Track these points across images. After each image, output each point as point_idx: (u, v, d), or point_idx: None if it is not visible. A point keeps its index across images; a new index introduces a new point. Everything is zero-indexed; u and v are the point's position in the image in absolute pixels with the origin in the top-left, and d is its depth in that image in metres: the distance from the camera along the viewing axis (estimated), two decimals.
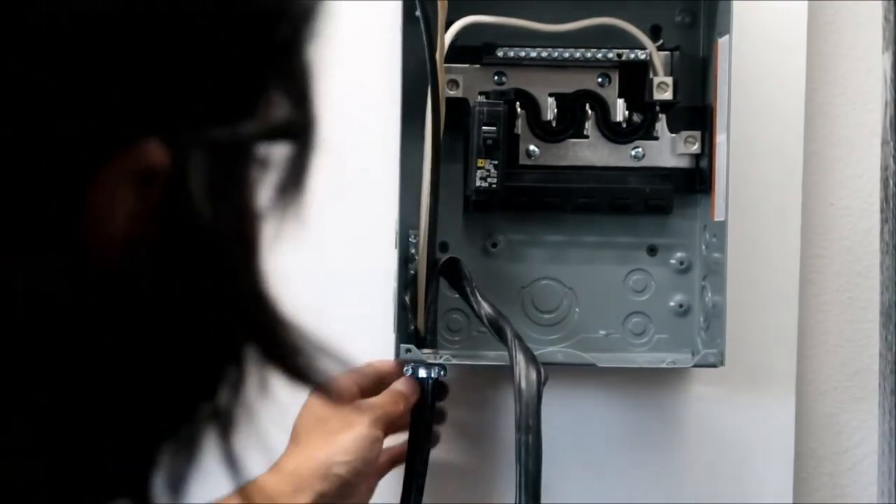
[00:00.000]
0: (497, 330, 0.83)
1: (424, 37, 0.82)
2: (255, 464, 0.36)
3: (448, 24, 0.86)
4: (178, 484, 0.35)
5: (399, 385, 0.85)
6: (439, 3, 0.83)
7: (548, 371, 0.80)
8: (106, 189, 0.32)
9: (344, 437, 0.79)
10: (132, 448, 0.34)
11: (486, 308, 0.84)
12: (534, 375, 0.78)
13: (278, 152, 0.36)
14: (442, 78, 0.85)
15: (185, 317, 0.34)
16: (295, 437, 0.80)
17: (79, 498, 0.33)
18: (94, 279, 0.32)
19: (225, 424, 0.36)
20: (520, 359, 0.79)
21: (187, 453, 0.35)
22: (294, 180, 0.36)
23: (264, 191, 0.36)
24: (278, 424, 0.36)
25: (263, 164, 0.35)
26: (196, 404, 0.35)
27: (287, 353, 0.36)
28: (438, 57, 0.84)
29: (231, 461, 0.36)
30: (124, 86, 0.31)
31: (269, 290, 0.36)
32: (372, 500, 0.87)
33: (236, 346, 0.35)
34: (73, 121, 0.31)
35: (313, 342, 0.36)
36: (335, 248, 0.93)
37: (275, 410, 0.36)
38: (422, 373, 0.87)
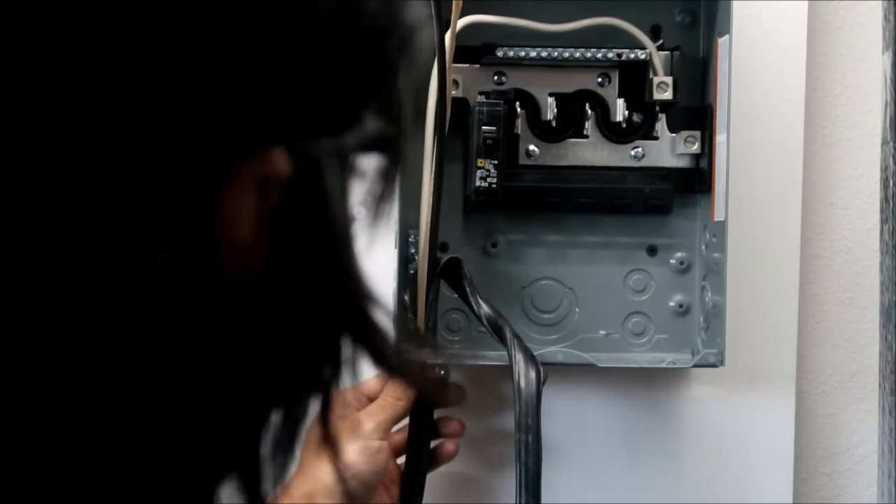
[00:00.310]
0: (496, 330, 0.83)
1: (436, 37, 0.82)
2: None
3: (448, 25, 0.86)
4: (284, 465, 0.37)
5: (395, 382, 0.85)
6: (454, 3, 0.83)
7: (547, 371, 0.80)
8: (237, 193, 0.33)
9: (346, 454, 0.79)
10: (244, 428, 0.36)
11: (485, 308, 0.84)
12: (533, 375, 0.78)
13: (369, 162, 0.37)
14: (449, 78, 0.85)
15: (296, 312, 0.36)
16: (301, 462, 0.81)
17: (193, 476, 0.35)
18: (226, 279, 0.34)
19: (325, 407, 0.38)
20: (519, 359, 0.80)
21: (293, 434, 0.37)
22: (384, 189, 0.38)
23: (357, 199, 0.38)
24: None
25: (358, 173, 0.37)
26: (304, 388, 0.37)
27: (379, 341, 0.38)
28: (448, 56, 0.84)
29: (329, 441, 0.38)
30: (254, 95, 0.33)
31: (368, 286, 0.38)
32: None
33: (337, 336, 0.37)
34: (210, 127, 0.32)
35: (403, 331, 0.38)
36: None
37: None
38: None
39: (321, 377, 0.37)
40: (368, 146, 0.37)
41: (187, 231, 0.33)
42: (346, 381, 0.38)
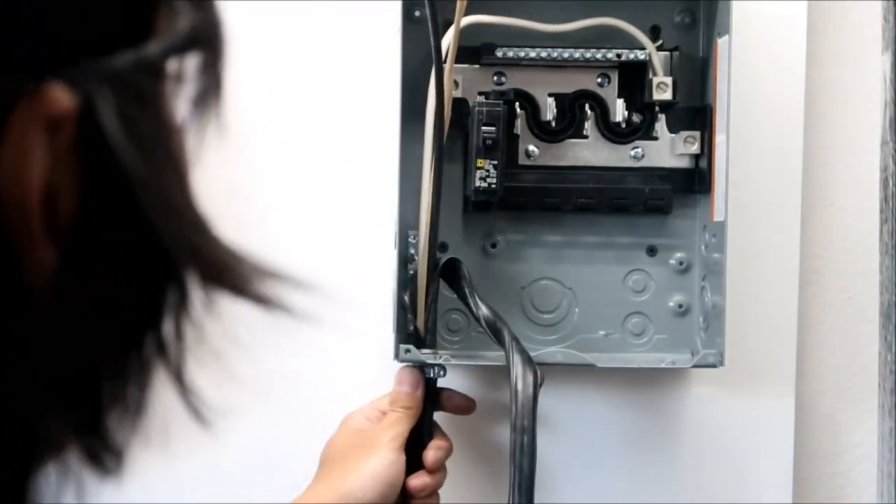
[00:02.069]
0: (494, 332, 0.83)
1: (431, 39, 0.82)
2: (209, 382, 0.36)
3: (447, 25, 0.86)
4: (136, 416, 0.35)
5: (401, 387, 0.86)
6: (458, 3, 0.84)
7: (544, 373, 0.80)
8: (14, 140, 0.31)
9: (363, 466, 0.80)
10: (81, 383, 0.34)
11: (483, 310, 0.84)
12: (530, 377, 0.79)
13: (190, 63, 0.35)
14: (449, 78, 0.85)
15: (118, 247, 0.34)
16: (320, 469, 0.82)
17: (34, 443, 0.33)
18: (19, 231, 0.32)
19: (174, 350, 0.35)
20: (516, 360, 0.80)
21: (139, 384, 0.35)
22: (210, 88, 0.35)
23: (182, 104, 0.35)
24: (229, 338, 0.36)
25: (177, 78, 0.35)
26: (141, 332, 0.35)
27: (225, 271, 0.35)
28: (449, 56, 0.84)
29: (183, 386, 0.36)
30: (14, 28, 0.31)
31: (200, 209, 0.35)
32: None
33: (174, 268, 0.35)
34: None
35: (249, 261, 0.36)
36: (335, 249, 0.93)
37: (225, 325, 0.36)
38: None
39: (158, 306, 0.35)
40: (180, 47, 0.34)
41: None
42: (202, 316, 0.35)
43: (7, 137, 0.31)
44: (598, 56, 0.89)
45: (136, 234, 0.34)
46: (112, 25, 0.33)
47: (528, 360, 0.80)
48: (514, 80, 0.90)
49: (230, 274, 0.35)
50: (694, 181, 0.91)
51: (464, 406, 0.89)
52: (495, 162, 0.87)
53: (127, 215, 0.33)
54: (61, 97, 0.32)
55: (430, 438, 0.86)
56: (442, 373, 0.87)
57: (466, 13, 0.86)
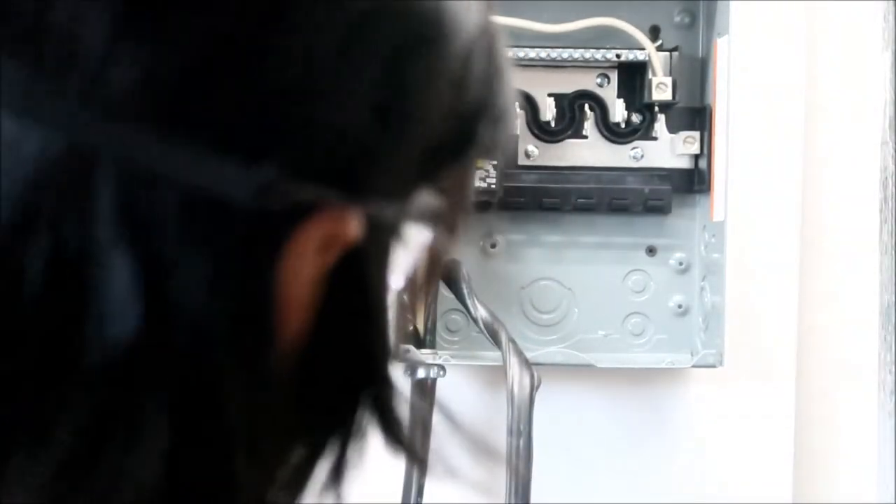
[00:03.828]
0: (492, 334, 0.83)
1: None
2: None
3: None
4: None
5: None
6: None
7: (540, 376, 0.80)
8: (300, 250, 0.31)
9: None
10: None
11: (482, 312, 0.84)
12: (527, 380, 0.79)
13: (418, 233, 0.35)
14: None
15: (328, 369, 0.34)
16: None
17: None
18: (273, 336, 0.32)
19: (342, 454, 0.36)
20: (513, 363, 0.80)
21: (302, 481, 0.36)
22: (433, 265, 0.36)
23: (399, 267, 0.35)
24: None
25: (403, 241, 0.35)
26: (326, 435, 0.35)
27: (394, 424, 0.36)
28: None
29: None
30: (344, 152, 0.31)
31: (394, 354, 0.36)
32: (372, 501, 0.87)
33: (358, 394, 0.35)
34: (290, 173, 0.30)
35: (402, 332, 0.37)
36: None
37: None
38: (420, 373, 0.87)
39: (343, 428, 0.35)
40: (425, 217, 0.34)
41: (245, 283, 0.30)
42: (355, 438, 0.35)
43: (296, 245, 0.31)
44: (598, 56, 0.89)
45: (345, 362, 0.34)
46: (420, 171, 0.33)
47: (524, 363, 0.80)
48: (514, 80, 0.90)
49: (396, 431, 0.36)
50: (693, 181, 0.91)
51: None
52: (495, 162, 0.87)
53: (344, 343, 0.34)
54: (355, 226, 0.31)
55: None
56: (441, 373, 0.87)
57: None
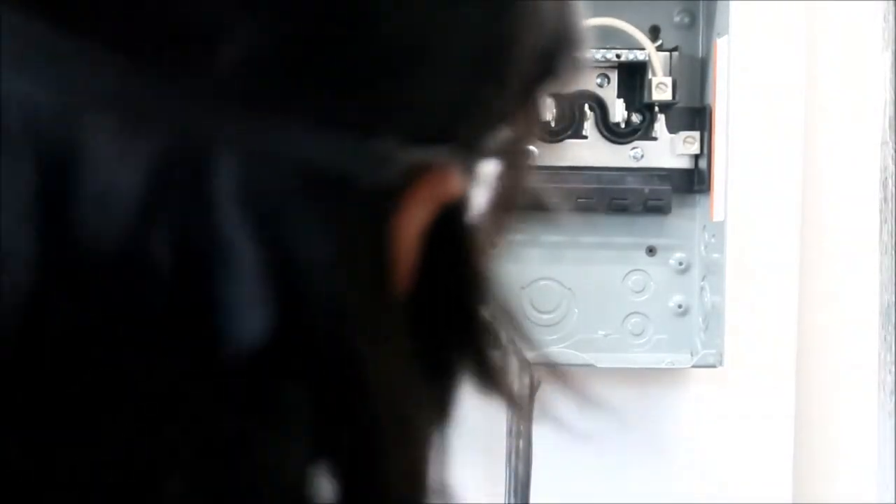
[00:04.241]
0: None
1: None
2: None
3: None
4: None
5: None
6: None
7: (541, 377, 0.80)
8: (411, 212, 0.31)
9: None
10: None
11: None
12: (526, 381, 0.79)
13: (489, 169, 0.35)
14: None
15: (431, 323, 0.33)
16: None
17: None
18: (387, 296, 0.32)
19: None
20: (513, 363, 0.80)
21: None
22: (508, 196, 0.35)
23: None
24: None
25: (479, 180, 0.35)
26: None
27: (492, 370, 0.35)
28: None
29: None
30: (452, 111, 0.31)
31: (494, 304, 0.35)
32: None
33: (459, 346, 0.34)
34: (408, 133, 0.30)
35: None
36: None
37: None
38: None
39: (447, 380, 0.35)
40: (503, 153, 0.34)
41: (372, 253, 0.30)
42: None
43: (407, 208, 0.31)
44: (598, 56, 0.89)
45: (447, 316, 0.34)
46: (488, 124, 0.33)
47: (525, 364, 0.80)
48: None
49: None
50: (693, 181, 0.91)
51: None
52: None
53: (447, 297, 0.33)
54: (458, 179, 0.31)
55: None
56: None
57: None
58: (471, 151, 0.32)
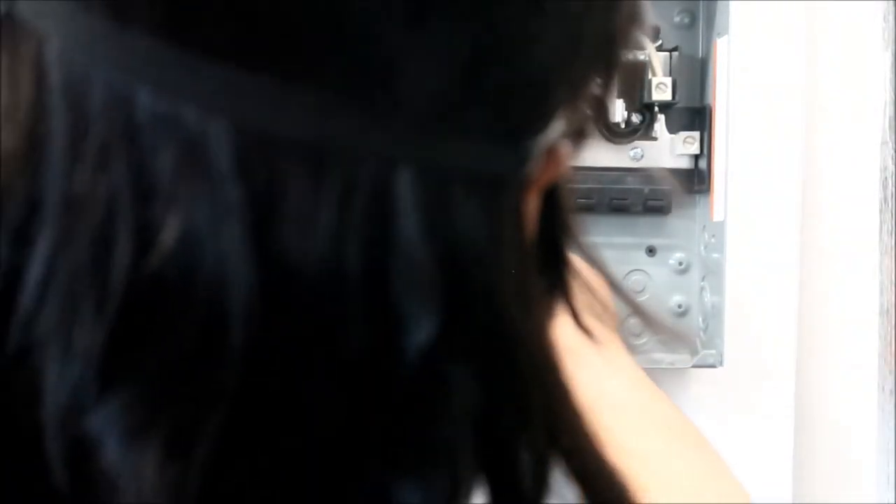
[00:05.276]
0: None
1: None
2: None
3: None
4: None
5: None
6: None
7: None
8: (540, 186, 0.36)
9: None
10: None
11: None
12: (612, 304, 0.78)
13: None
14: None
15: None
16: None
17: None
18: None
19: None
20: None
21: None
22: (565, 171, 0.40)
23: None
24: None
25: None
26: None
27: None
28: None
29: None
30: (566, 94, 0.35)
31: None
32: None
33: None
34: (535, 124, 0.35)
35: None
36: None
37: None
38: None
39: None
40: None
41: (515, 238, 0.35)
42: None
43: (536, 188, 0.36)
44: None
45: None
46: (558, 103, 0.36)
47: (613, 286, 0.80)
48: None
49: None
50: (693, 181, 0.91)
51: None
52: None
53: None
54: (567, 162, 0.36)
55: None
56: None
57: None
58: (576, 134, 0.37)
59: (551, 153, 0.35)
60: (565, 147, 0.36)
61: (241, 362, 0.30)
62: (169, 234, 0.30)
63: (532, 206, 0.36)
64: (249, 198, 0.30)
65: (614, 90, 0.39)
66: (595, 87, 0.37)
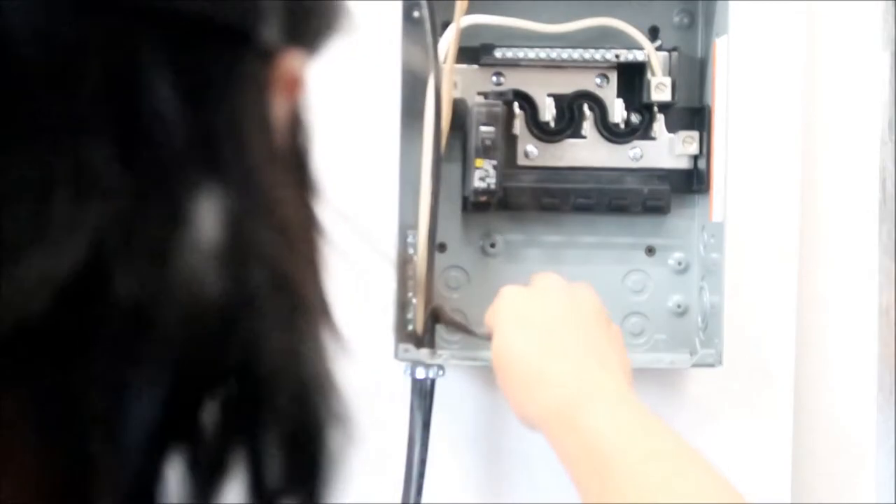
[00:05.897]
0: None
1: (430, 39, 0.82)
2: None
3: (446, 25, 0.86)
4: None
5: None
6: (458, 4, 0.84)
7: None
8: (272, 98, 0.36)
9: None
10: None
11: (485, 328, 0.84)
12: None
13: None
14: (449, 79, 0.85)
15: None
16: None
17: None
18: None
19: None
20: None
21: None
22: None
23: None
24: None
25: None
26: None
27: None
28: (449, 57, 0.85)
29: None
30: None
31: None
32: (372, 501, 0.88)
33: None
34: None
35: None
36: (334, 247, 0.93)
37: None
38: (420, 373, 0.87)
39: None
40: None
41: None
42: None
43: (273, 93, 0.36)
44: (597, 56, 0.89)
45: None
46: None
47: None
48: (513, 81, 0.91)
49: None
50: (692, 181, 0.91)
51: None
52: (494, 162, 0.87)
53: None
54: (300, 62, 0.37)
55: None
56: (441, 372, 0.88)
57: (466, 13, 0.86)
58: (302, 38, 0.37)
59: (286, 51, 0.35)
60: (293, 54, 0.36)
61: None
62: None
63: (279, 112, 0.36)
64: None
65: None
66: None
